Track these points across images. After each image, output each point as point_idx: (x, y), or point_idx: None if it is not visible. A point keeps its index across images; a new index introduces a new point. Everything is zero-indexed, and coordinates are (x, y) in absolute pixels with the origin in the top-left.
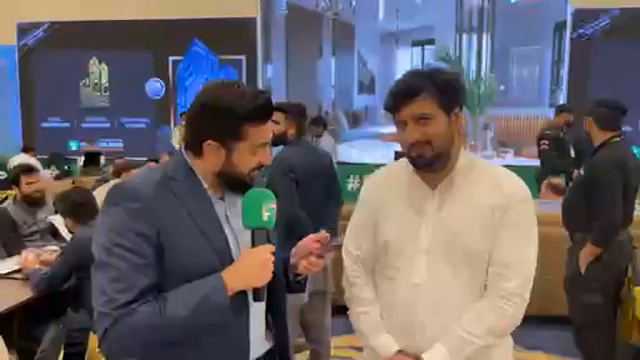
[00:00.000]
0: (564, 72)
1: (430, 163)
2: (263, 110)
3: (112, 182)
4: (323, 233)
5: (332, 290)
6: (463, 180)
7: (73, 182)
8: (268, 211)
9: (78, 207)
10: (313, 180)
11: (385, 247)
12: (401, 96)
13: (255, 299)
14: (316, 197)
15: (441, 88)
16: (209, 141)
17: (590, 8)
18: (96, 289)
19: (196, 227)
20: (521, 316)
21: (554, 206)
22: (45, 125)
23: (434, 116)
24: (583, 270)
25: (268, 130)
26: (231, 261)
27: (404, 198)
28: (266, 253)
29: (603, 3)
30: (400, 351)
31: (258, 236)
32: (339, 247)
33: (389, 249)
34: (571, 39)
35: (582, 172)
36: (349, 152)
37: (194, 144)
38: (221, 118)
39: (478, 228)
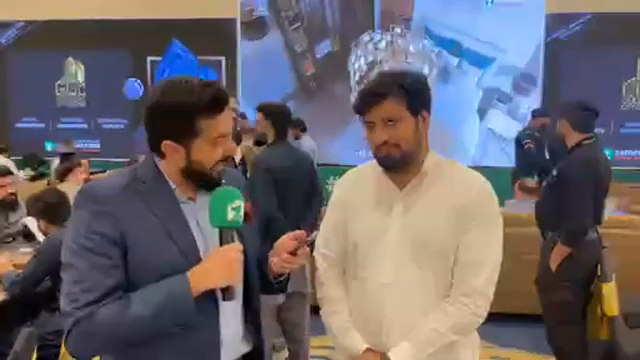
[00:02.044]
0: (539, 75)
1: (398, 164)
2: (213, 101)
3: (71, 185)
4: (299, 231)
5: (310, 290)
6: (431, 181)
7: (48, 183)
8: (234, 210)
9: (51, 208)
10: (293, 181)
11: (354, 247)
12: (369, 98)
13: (224, 299)
14: (297, 197)
15: (409, 91)
16: (165, 142)
17: (563, 13)
18: (62, 290)
19: (162, 228)
20: (485, 313)
21: (532, 206)
22: (20, 126)
23: (402, 118)
24: (554, 268)
25: (225, 121)
26: (199, 262)
27: (373, 199)
28: (233, 252)
29: (576, 8)
30: (369, 349)
31: (225, 235)
32: (313, 243)
33: (358, 249)
34: (545, 43)
35: (555, 172)
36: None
37: (153, 146)
38: (172, 118)
39: (444, 228)
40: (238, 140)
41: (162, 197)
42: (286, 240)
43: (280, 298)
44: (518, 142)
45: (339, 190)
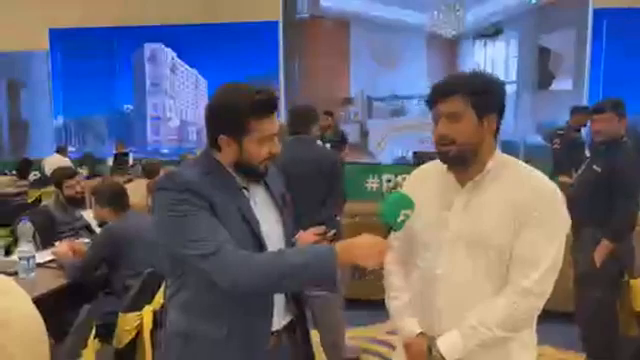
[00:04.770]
0: (585, 71)
1: (453, 159)
2: (264, 105)
3: (141, 181)
4: (318, 228)
5: (340, 286)
6: (492, 179)
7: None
8: (403, 216)
9: (117, 197)
10: (305, 177)
11: (415, 239)
12: (438, 93)
13: (358, 276)
14: (311, 192)
15: (475, 91)
16: (222, 137)
17: (607, 8)
18: (189, 251)
19: (234, 205)
20: (536, 312)
21: None
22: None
23: (464, 116)
24: (599, 265)
25: (273, 123)
26: (262, 239)
27: (436, 194)
28: (383, 245)
29: (621, 3)
30: (421, 333)
31: (383, 230)
32: (333, 239)
33: (418, 241)
34: (592, 39)
35: (598, 169)
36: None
37: (212, 141)
38: (229, 116)
39: (501, 226)
40: None
41: (227, 183)
42: (307, 235)
43: None
44: (551, 141)
45: (407, 183)
